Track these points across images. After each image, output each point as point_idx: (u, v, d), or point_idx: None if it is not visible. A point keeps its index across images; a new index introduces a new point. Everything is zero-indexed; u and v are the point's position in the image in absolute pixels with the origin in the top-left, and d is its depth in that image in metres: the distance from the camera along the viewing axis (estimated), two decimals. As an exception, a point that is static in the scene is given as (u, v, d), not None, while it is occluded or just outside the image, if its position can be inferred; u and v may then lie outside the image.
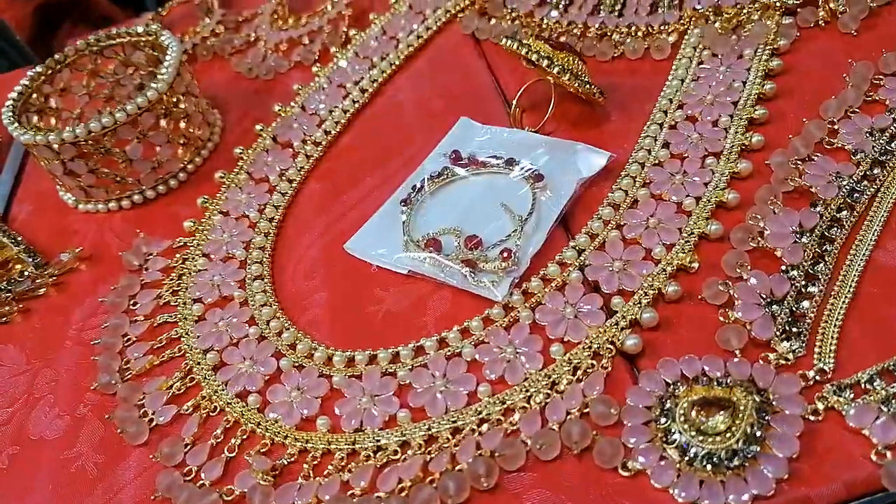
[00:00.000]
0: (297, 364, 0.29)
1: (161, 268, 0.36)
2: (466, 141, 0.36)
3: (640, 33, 0.40)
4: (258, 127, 0.41)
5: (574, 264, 0.29)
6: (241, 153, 0.40)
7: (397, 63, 0.44)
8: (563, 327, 0.27)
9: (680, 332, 0.27)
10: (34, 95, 0.41)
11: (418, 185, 0.34)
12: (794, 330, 0.25)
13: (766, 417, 0.23)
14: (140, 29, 0.42)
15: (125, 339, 0.33)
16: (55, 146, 0.36)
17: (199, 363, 0.31)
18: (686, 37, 0.39)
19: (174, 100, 0.39)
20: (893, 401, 0.23)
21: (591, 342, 0.27)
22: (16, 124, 0.38)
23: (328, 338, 0.30)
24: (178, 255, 0.36)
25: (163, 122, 0.38)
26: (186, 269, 0.35)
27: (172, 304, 0.34)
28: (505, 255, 0.29)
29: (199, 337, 0.32)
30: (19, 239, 0.39)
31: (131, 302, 0.34)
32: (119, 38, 0.43)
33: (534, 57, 0.34)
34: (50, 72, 0.42)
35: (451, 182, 0.34)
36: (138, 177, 0.39)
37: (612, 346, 0.26)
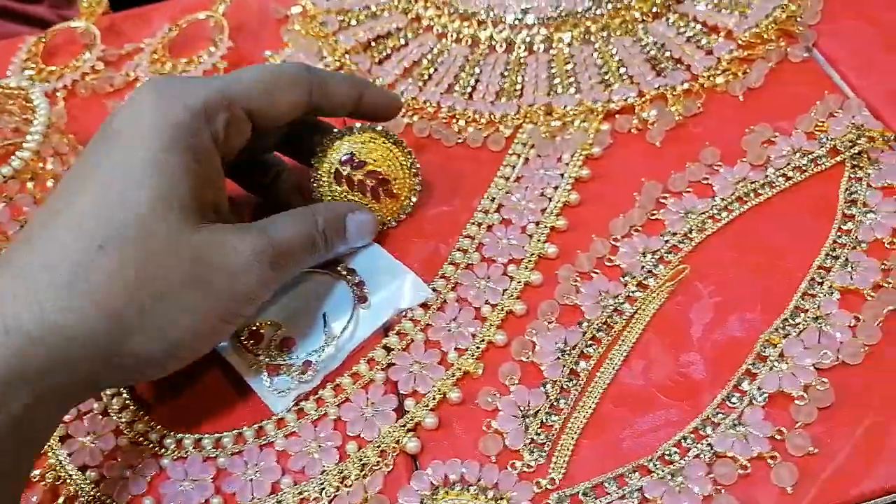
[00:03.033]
0: (133, 442, 0.34)
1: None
2: None
3: (483, 120, 0.44)
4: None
5: (382, 363, 0.34)
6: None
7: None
8: (360, 426, 0.32)
9: (456, 433, 0.32)
10: None
11: None
12: (540, 441, 0.31)
13: (501, 522, 0.29)
14: (13, 83, 0.44)
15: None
16: (-79, 210, 0.39)
17: (49, 433, 0.34)
18: (520, 131, 0.43)
19: (41, 164, 0.41)
20: (596, 513, 0.29)
21: (379, 442, 0.32)
22: None
23: (166, 417, 0.35)
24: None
25: (29, 185, 0.41)
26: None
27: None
28: (304, 367, 0.33)
29: (51, 407, 0.35)
30: None
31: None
32: (-10, 88, 0.44)
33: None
34: (-81, 121, 0.43)
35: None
36: (7, 234, 0.42)
37: (396, 446, 0.32)
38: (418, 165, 0.39)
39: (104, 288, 0.27)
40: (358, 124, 0.38)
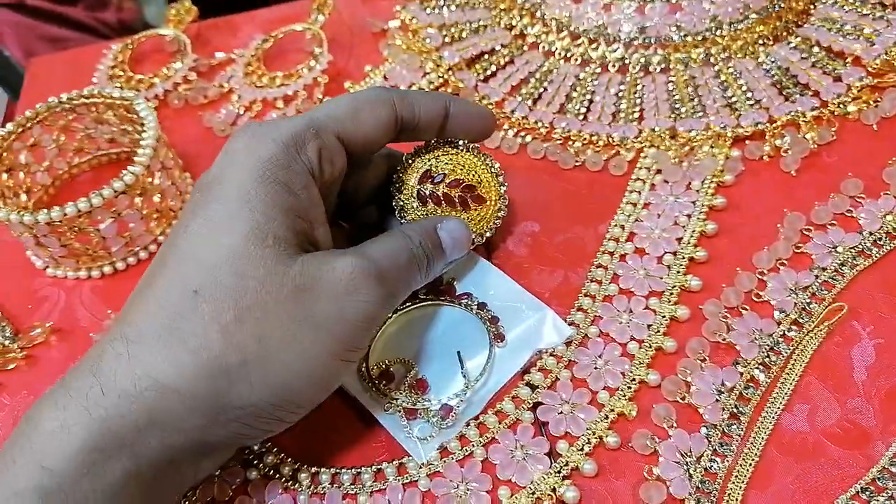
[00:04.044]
0: (263, 475, 0.32)
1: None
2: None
3: (601, 142, 0.43)
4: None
5: (528, 401, 0.33)
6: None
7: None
8: (511, 469, 0.30)
9: (612, 480, 0.30)
10: (4, 154, 0.41)
11: None
12: (706, 490, 0.29)
13: (676, 579, 0.27)
14: (116, 93, 0.42)
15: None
16: (28, 223, 0.37)
17: (170, 464, 0.33)
18: (642, 156, 0.42)
19: (149, 178, 0.39)
20: (781, 572, 0.27)
21: (534, 488, 0.30)
22: (-11, 197, 0.38)
23: (294, 451, 0.33)
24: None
25: (137, 201, 0.39)
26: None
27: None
28: (444, 412, 0.31)
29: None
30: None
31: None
32: (93, 97, 0.43)
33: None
34: (21, 129, 0.42)
35: (425, 307, 0.35)
36: (110, 250, 0.40)
37: (552, 494, 0.30)
38: (497, 164, 0.36)
39: (200, 335, 0.25)
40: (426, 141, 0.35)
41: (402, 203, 0.35)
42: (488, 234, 0.36)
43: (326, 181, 0.30)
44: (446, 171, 0.35)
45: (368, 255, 0.28)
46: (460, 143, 0.35)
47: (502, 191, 0.36)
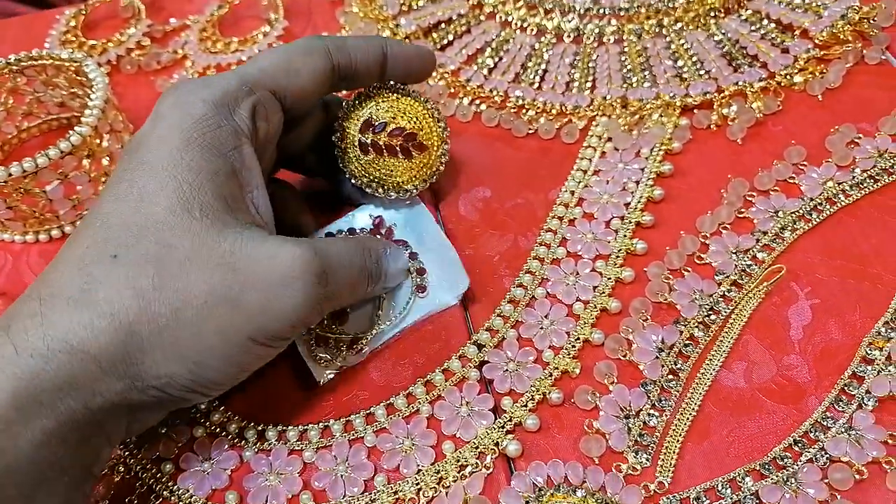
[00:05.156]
0: (210, 433, 0.32)
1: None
2: (394, 207, 0.37)
3: (554, 111, 0.43)
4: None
5: (474, 360, 0.33)
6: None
7: (325, 109, 0.45)
8: (456, 425, 0.31)
9: (553, 434, 0.31)
10: (-52, 115, 0.41)
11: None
12: (644, 443, 0.30)
13: (611, 526, 0.28)
14: (65, 55, 0.42)
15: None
16: (-28, 184, 0.36)
17: (116, 424, 0.33)
18: (594, 124, 0.42)
19: (97, 140, 0.39)
20: (712, 519, 0.28)
21: (477, 443, 0.30)
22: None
23: (241, 410, 0.33)
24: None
25: (85, 163, 0.39)
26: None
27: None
28: (354, 346, 0.33)
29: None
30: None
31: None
32: (42, 59, 0.42)
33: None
34: (-35, 90, 0.41)
35: None
36: (57, 213, 0.39)
37: (495, 448, 0.30)
38: (438, 108, 0.36)
39: (115, 300, 0.24)
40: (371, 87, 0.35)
41: (344, 153, 0.35)
42: (432, 181, 0.36)
43: (262, 140, 0.30)
44: (387, 119, 0.35)
45: (319, 248, 0.27)
46: (400, 87, 0.35)
47: (445, 135, 0.36)
